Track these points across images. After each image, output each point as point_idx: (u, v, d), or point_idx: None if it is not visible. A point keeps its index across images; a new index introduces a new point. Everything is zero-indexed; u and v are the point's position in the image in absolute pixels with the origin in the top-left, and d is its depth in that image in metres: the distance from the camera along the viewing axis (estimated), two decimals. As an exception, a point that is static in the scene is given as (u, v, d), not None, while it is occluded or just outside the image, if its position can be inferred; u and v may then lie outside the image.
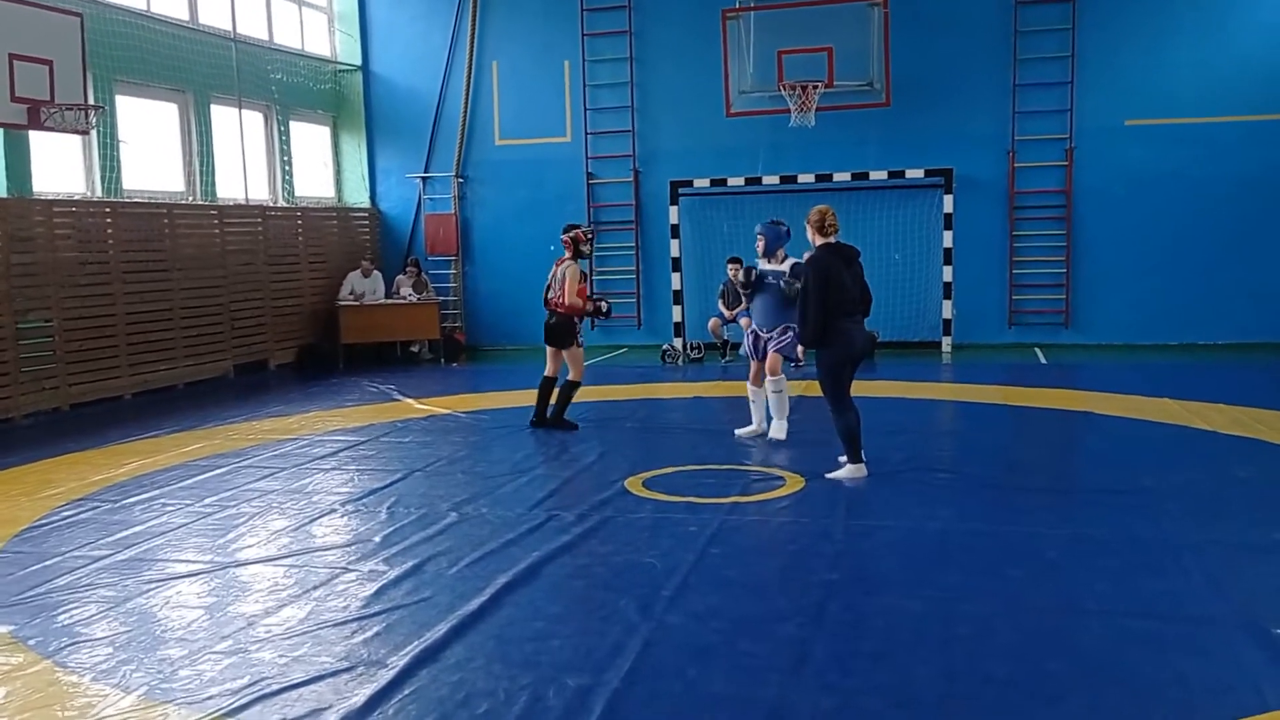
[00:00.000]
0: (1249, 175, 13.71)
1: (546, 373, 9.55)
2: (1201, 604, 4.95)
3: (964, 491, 7.04)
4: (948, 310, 14.20)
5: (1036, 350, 14.00)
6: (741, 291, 9.22)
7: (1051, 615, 4.88)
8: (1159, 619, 4.78)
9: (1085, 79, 14.12)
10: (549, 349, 9.52)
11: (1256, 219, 13.76)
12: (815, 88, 13.78)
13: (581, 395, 11.92)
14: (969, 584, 5.33)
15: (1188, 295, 14.01)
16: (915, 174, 14.21)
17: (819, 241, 7.33)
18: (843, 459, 7.44)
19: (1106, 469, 7.68)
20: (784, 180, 14.57)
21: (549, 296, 9.33)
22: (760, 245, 8.73)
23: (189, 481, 7.84)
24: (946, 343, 14.22)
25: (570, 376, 9.39)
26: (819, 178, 14.43)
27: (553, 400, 9.52)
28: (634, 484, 7.39)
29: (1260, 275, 13.76)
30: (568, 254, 9.31)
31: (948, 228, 14.09)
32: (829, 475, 7.36)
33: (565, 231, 9.40)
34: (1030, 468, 7.94)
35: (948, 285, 14.16)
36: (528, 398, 11.58)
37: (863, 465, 7.38)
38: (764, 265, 8.71)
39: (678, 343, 14.64)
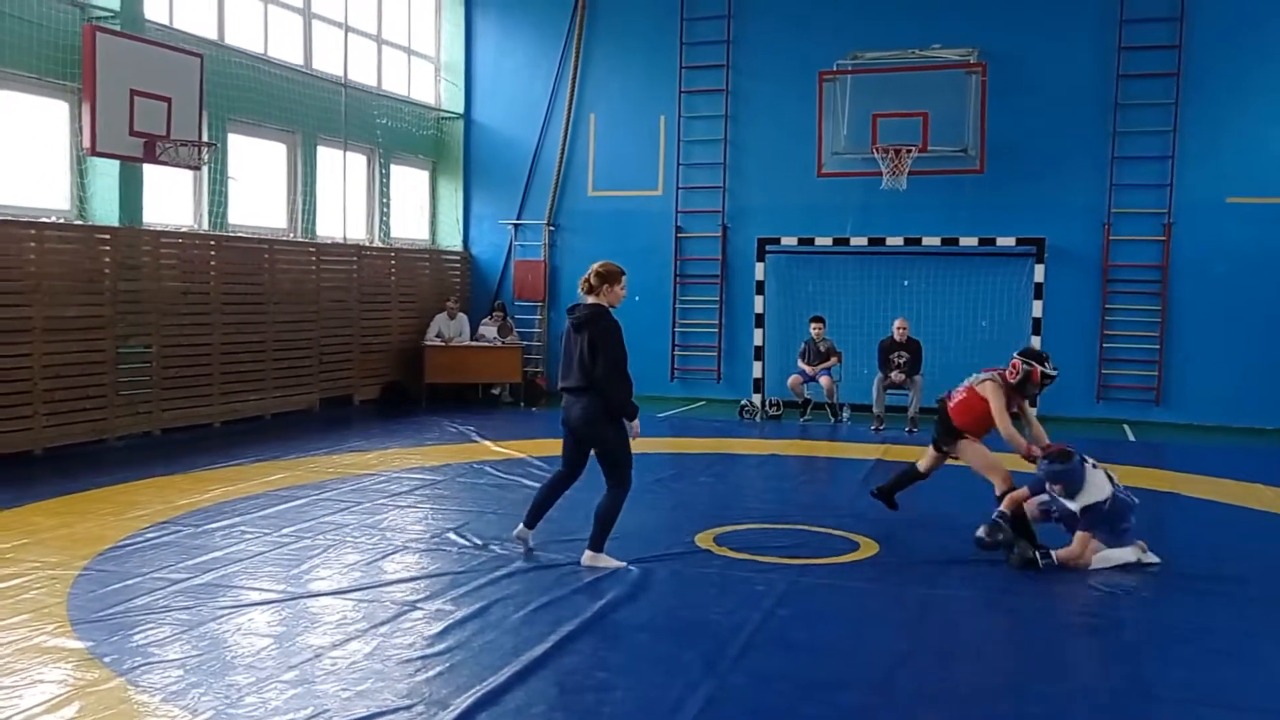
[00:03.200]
0: (1358, 258, 13.26)
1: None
2: (1287, 701, 4.75)
3: (1042, 567, 6.85)
4: (1035, 381, 13.89)
5: (1125, 427, 13.62)
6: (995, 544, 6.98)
7: (1126, 699, 4.73)
8: (1236, 710, 4.61)
9: (1186, 154, 13.85)
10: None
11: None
12: (909, 151, 13.74)
13: (657, 446, 11.99)
14: (1043, 662, 5.19)
15: (1288, 378, 13.54)
16: (1007, 242, 14.03)
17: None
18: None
19: (1190, 553, 7.39)
20: (872, 242, 14.51)
21: (951, 399, 7.60)
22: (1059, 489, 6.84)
23: (269, 511, 8.01)
24: (1031, 414, 13.88)
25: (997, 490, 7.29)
26: (908, 241, 14.34)
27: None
28: (705, 539, 7.36)
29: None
30: (1007, 378, 7.37)
31: (1038, 297, 13.85)
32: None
33: (1027, 357, 7.40)
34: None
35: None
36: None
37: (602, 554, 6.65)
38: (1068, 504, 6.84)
39: (757, 399, 14.59)
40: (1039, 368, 7.32)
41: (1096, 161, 14.13)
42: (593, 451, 6.82)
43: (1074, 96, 14.20)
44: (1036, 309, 13.83)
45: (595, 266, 6.77)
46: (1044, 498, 6.96)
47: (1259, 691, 4.85)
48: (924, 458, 7.94)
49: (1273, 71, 13.55)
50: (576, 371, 6.68)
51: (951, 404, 7.53)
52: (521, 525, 7.03)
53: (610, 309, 6.69)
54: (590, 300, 6.73)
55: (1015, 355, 7.43)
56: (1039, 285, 13.85)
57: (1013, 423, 7.37)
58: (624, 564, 6.66)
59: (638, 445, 11.76)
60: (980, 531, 6.91)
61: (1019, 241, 13.98)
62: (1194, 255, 13.88)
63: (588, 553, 6.70)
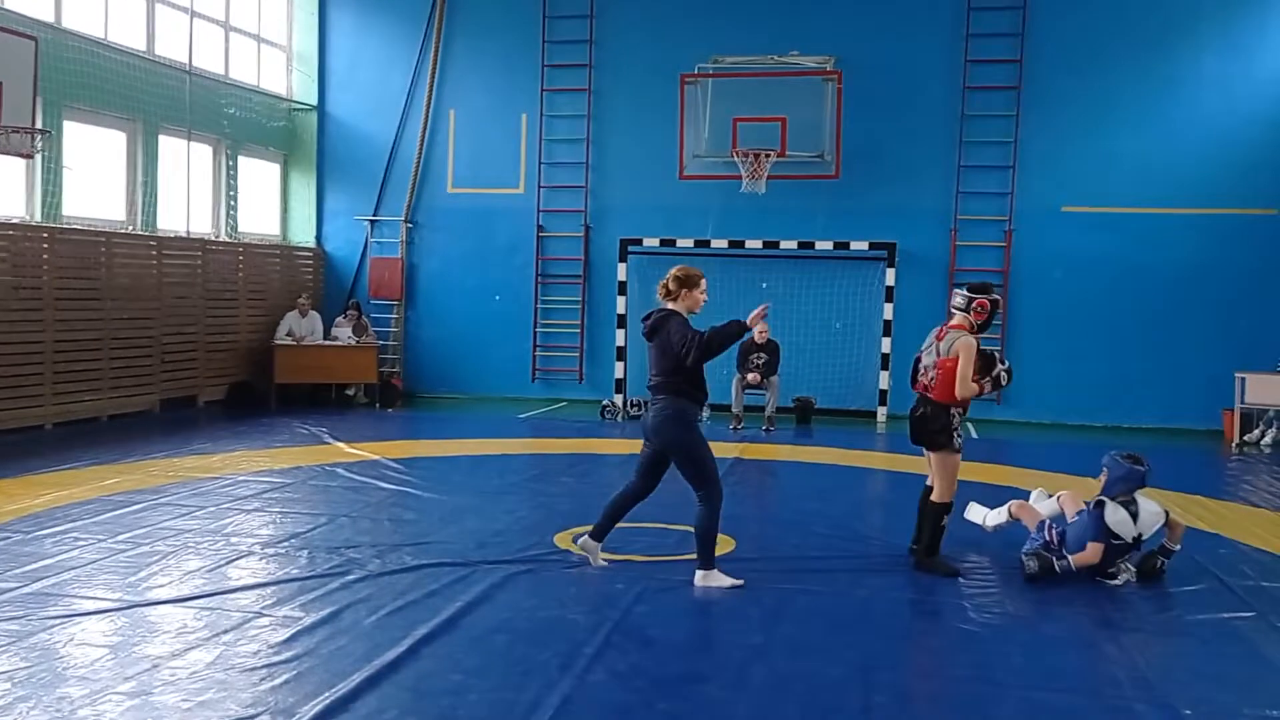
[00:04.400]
0: (1178, 265, 14.12)
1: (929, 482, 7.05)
2: (1115, 682, 4.99)
3: (891, 559, 7.06)
4: (884, 381, 14.37)
5: (969, 425, 14.17)
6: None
7: (968, 685, 4.91)
8: (1073, 694, 4.82)
9: (1026, 164, 14.52)
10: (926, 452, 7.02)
11: (1182, 308, 14.16)
12: (768, 156, 14.00)
13: (519, 448, 11.91)
14: (890, 652, 5.36)
15: (1114, 378, 14.32)
16: (860, 246, 14.46)
17: None
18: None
19: (1018, 542, 7.67)
20: (732, 245, 14.75)
21: (923, 377, 6.84)
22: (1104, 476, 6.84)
23: (104, 516, 7.61)
24: (882, 413, 14.37)
25: (935, 495, 6.89)
26: (766, 244, 14.62)
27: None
28: (564, 539, 7.32)
29: (1183, 362, 14.12)
30: (971, 320, 6.78)
31: (889, 300, 14.31)
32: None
33: (978, 292, 6.84)
34: (957, 540, 7.96)
35: (886, 356, 14.34)
36: (461, 447, 11.53)
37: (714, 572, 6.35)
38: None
39: (618, 399, 14.63)
40: (995, 296, 6.88)
41: (944, 169, 14.67)
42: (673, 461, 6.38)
43: (924, 106, 14.71)
44: (887, 311, 14.29)
45: (673, 271, 6.40)
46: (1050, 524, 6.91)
47: (1097, 677, 5.08)
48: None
49: (1106, 89, 14.31)
50: (651, 372, 6.36)
51: (934, 392, 6.74)
52: (587, 536, 6.63)
53: (688, 314, 6.33)
54: (668, 306, 6.37)
55: (966, 294, 6.81)
56: (890, 288, 14.31)
57: None
58: (740, 582, 6.27)
59: (504, 445, 11.72)
60: (1031, 567, 6.65)
61: (871, 245, 14.42)
62: (1033, 260, 14.56)
63: (699, 573, 6.32)
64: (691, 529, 6.39)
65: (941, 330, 6.84)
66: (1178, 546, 6.78)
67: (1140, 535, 6.63)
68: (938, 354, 6.72)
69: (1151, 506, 6.70)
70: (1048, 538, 6.90)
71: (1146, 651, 5.47)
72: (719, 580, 6.30)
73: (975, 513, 7.74)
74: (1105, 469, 6.84)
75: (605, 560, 6.69)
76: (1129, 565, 6.67)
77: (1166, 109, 14.21)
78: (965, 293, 6.83)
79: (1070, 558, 6.64)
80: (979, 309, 6.76)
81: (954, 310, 6.86)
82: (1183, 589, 6.54)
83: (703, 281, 6.40)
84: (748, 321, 6.15)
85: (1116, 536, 6.59)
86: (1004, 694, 4.78)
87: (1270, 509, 9.15)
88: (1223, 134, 14.03)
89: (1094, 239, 14.36)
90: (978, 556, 7.21)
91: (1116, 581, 6.59)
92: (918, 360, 6.93)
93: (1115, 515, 6.60)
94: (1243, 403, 13.01)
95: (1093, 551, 6.58)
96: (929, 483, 6.98)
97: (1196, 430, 13.93)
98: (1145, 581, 6.65)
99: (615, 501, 6.65)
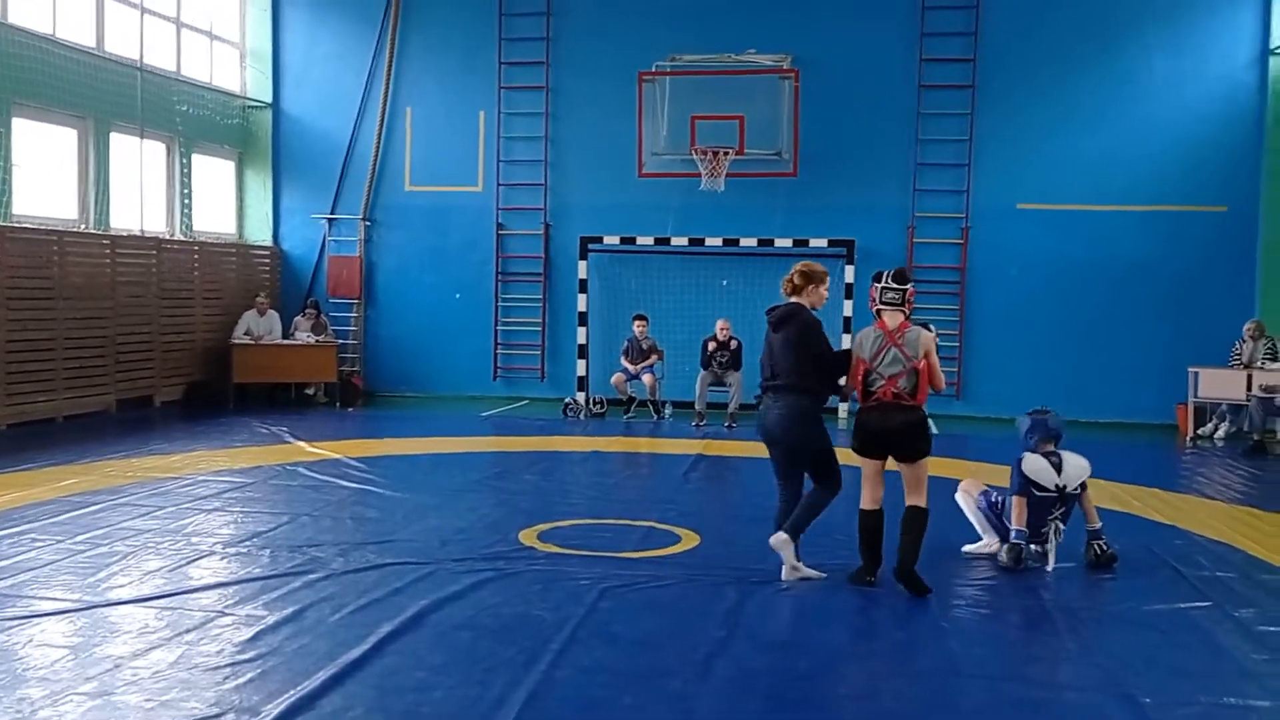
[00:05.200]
0: (1132, 262, 14.35)
1: (867, 505, 6.43)
2: (1076, 671, 5.08)
3: (856, 554, 7.09)
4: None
5: (929, 420, 14.29)
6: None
7: (933, 678, 4.95)
8: (1034, 684, 4.90)
9: (981, 162, 14.69)
10: (872, 464, 6.50)
11: (1136, 304, 14.39)
12: (726, 154, 14.04)
13: (481, 446, 11.87)
14: (856, 645, 5.41)
15: (1071, 373, 14.49)
16: (819, 243, 14.52)
17: None
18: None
19: (968, 537, 7.73)
20: (692, 242, 14.78)
21: (889, 385, 6.39)
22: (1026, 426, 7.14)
23: (61, 517, 7.49)
24: (843, 409, 14.45)
25: (920, 502, 6.44)
26: (726, 242, 14.66)
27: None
28: (528, 536, 7.31)
29: (1137, 357, 14.35)
30: (907, 310, 6.48)
31: (848, 297, 14.39)
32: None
33: (904, 281, 6.50)
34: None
35: (848, 353, 14.39)
36: (422, 445, 11.47)
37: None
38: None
39: (580, 397, 14.62)
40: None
41: (901, 167, 14.80)
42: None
43: (881, 104, 14.83)
44: (847, 308, 14.36)
45: (799, 266, 6.47)
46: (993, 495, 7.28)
47: (1058, 667, 5.17)
48: (872, 494, 6.48)
49: (1059, 88, 14.51)
50: (771, 370, 6.40)
51: (919, 395, 6.44)
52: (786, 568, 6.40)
53: (812, 309, 6.42)
54: (793, 300, 6.43)
55: (897, 286, 6.46)
56: (849, 285, 14.39)
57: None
58: (809, 570, 6.30)
59: (466, 443, 11.70)
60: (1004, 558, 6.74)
61: (830, 243, 14.50)
62: (989, 257, 14.73)
63: (782, 535, 6.31)
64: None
65: (893, 333, 6.37)
66: (1099, 524, 6.98)
67: (1064, 486, 6.79)
68: (905, 358, 6.32)
69: (1078, 460, 6.91)
70: (992, 502, 7.23)
71: (1105, 641, 5.56)
72: (787, 551, 6.30)
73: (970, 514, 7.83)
74: (1031, 423, 7.14)
75: (818, 573, 6.45)
76: (1060, 526, 6.83)
77: (1119, 107, 14.44)
78: (895, 285, 6.43)
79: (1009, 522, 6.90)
80: (909, 299, 6.47)
81: (888, 304, 6.44)
82: (1140, 580, 6.65)
83: (827, 278, 6.48)
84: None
85: (1039, 487, 6.78)
86: (969, 685, 4.83)
87: (1224, 500, 9.33)
88: (1174, 132, 14.30)
89: (1049, 236, 14.55)
90: (944, 554, 7.28)
91: (1049, 549, 6.76)
92: (865, 370, 6.42)
93: (1034, 463, 6.82)
94: (1196, 397, 13.23)
95: (1017, 506, 6.80)
96: (871, 504, 6.42)
97: (1151, 424, 14.16)
98: (1100, 569, 6.79)
99: (777, 521, 6.46)
